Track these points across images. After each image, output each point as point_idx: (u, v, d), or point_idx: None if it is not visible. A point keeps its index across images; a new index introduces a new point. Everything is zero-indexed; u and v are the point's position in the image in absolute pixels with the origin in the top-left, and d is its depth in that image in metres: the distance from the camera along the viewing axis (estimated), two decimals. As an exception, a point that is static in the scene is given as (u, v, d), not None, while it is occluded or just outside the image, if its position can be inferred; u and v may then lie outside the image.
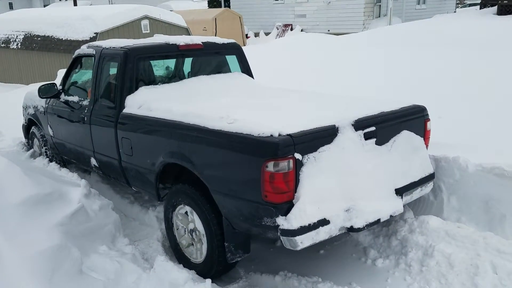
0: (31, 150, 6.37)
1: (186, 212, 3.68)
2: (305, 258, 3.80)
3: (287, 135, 2.90)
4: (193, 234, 3.64)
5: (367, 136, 3.28)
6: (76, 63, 5.27)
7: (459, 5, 34.32)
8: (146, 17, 16.50)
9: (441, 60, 8.02)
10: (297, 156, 2.88)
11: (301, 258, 3.79)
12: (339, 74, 8.06)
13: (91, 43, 5.16)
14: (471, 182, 3.81)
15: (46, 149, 5.99)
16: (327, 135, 3.08)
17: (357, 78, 7.50)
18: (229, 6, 28.27)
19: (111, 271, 3.47)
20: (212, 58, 5.06)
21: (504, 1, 13.33)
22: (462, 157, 3.88)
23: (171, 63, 5.08)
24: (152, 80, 4.57)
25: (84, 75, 5.36)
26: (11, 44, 17.62)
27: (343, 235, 3.98)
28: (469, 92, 6.09)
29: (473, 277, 3.14)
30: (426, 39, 10.00)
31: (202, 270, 3.57)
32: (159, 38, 4.88)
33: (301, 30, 24.74)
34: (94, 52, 4.77)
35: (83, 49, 5.07)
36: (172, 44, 4.60)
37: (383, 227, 3.86)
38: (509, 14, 13.24)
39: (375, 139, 3.35)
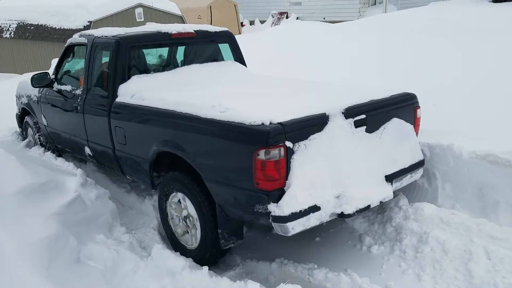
0: (27, 140, 6.35)
1: (179, 200, 3.70)
2: (301, 245, 3.83)
3: (278, 123, 2.92)
4: (187, 220, 3.67)
5: (357, 124, 3.31)
6: (68, 52, 5.24)
7: (455, -7, 34.15)
8: (140, 5, 16.38)
9: (442, 50, 8.01)
10: (288, 144, 2.91)
11: (297, 245, 3.82)
12: (335, 62, 8.04)
13: (83, 31, 5.12)
14: (465, 169, 3.83)
15: (39, 135, 5.99)
16: (317, 123, 3.11)
17: (353, 66, 7.48)
18: (224, -6, 28.02)
19: (109, 259, 3.48)
20: (205, 47, 5.04)
21: (500, -11, 13.28)
22: (457, 145, 3.90)
23: (164, 51, 5.06)
24: (144, 69, 4.56)
25: (76, 64, 5.33)
26: (4, 33, 17.45)
27: (338, 222, 4.01)
28: (466, 80, 6.09)
29: (467, 263, 3.19)
30: (423, 27, 9.97)
31: (197, 256, 3.60)
32: (151, 27, 4.84)
33: (297, 18, 24.63)
34: (86, 41, 4.74)
35: (75, 38, 5.03)
36: (164, 32, 4.58)
37: (378, 214, 3.89)
38: (505, 1, 13.21)
39: (365, 127, 3.37)
